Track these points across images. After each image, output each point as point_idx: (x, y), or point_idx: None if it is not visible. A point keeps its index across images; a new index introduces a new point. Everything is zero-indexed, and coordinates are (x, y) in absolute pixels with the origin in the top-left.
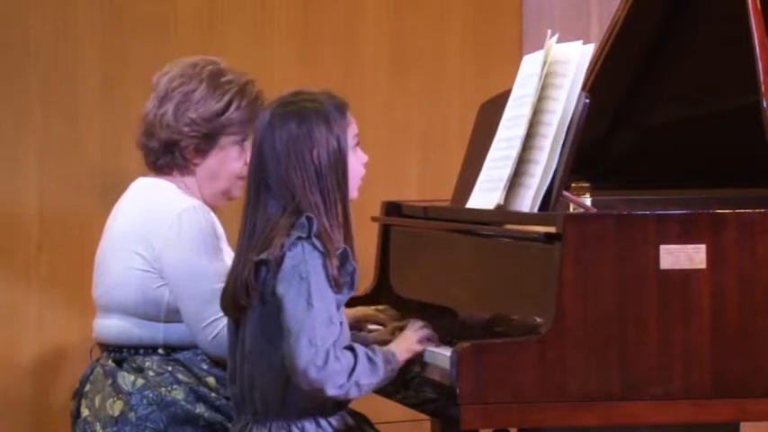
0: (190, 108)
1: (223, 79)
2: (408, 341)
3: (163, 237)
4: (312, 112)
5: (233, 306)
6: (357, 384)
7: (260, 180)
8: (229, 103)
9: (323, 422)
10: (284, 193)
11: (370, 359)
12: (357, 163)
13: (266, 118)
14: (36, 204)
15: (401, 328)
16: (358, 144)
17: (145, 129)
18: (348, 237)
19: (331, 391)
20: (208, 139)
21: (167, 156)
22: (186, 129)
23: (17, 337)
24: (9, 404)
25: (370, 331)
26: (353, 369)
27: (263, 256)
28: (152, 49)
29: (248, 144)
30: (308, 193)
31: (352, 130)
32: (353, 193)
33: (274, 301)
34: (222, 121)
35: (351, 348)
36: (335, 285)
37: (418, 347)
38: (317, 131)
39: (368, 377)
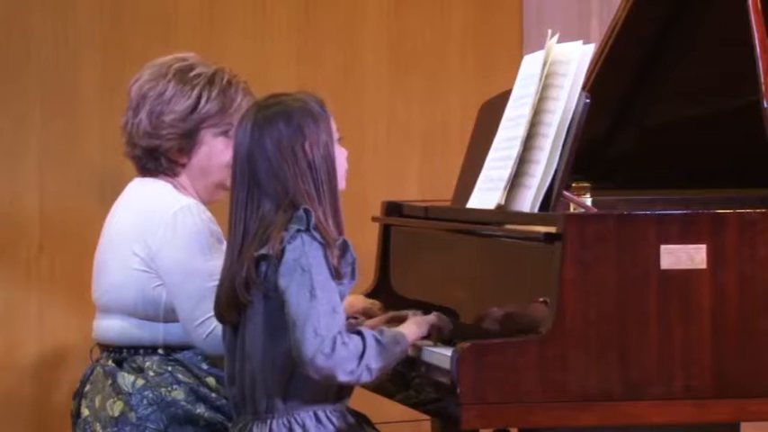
0: (164, 111)
1: (191, 74)
2: (420, 323)
3: (159, 236)
4: (297, 110)
5: (230, 309)
6: (368, 368)
7: (250, 183)
8: (199, 97)
9: (323, 418)
10: (277, 190)
11: (378, 341)
12: (341, 157)
13: (248, 125)
14: (36, 204)
15: (400, 318)
16: (340, 139)
17: (126, 139)
18: (339, 229)
19: (342, 378)
20: (188, 138)
21: (152, 161)
22: (164, 132)
23: (17, 337)
24: (9, 404)
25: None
26: (363, 353)
27: (262, 251)
28: (152, 49)
29: (233, 133)
30: (301, 185)
31: (333, 125)
32: (341, 183)
33: (277, 296)
34: (196, 117)
35: (358, 332)
36: (336, 275)
37: (427, 330)
38: (306, 127)
39: (378, 360)
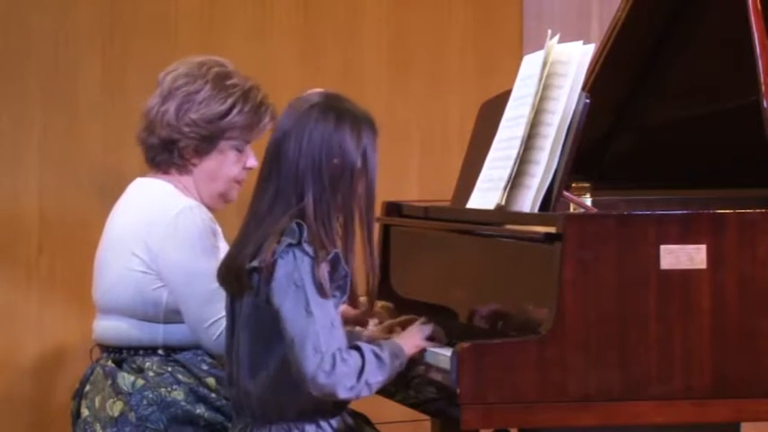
0: (192, 108)
1: (228, 82)
2: (415, 336)
3: (160, 237)
4: (355, 124)
5: (229, 279)
6: (367, 384)
7: (272, 158)
8: (232, 107)
9: (323, 423)
10: (291, 174)
11: (377, 356)
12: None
13: (308, 105)
14: (36, 204)
15: (399, 325)
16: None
17: (146, 125)
18: (349, 252)
19: (342, 395)
20: (207, 141)
21: (165, 154)
22: (186, 129)
23: (17, 337)
24: (9, 404)
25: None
26: (362, 369)
27: (254, 263)
28: (152, 49)
29: (248, 149)
30: (313, 193)
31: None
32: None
33: (269, 308)
34: (223, 125)
35: (357, 348)
36: (321, 291)
37: (424, 343)
38: (345, 143)
39: (377, 375)
